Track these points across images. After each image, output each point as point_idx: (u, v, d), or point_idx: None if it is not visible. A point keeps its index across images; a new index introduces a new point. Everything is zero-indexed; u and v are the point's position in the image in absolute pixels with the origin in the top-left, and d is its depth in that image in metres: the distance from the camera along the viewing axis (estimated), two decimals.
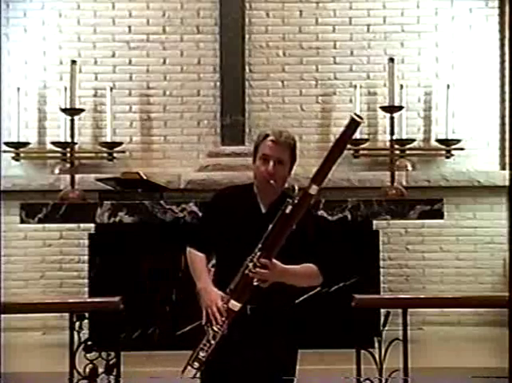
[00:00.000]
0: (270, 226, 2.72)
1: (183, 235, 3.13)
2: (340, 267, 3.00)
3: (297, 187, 2.76)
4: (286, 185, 2.98)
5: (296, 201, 2.70)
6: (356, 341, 3.36)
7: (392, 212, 5.05)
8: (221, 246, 2.95)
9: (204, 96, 6.12)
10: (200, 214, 4.58)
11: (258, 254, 2.72)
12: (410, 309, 3.45)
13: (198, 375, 2.80)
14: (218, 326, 2.75)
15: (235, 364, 2.85)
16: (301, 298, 4.97)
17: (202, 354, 2.74)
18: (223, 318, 2.75)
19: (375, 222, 5.30)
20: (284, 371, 2.95)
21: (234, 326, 2.78)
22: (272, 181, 2.86)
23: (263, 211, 2.94)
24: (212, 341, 2.74)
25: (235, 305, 2.75)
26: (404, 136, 5.92)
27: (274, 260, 2.74)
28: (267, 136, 2.92)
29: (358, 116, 2.76)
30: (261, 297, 2.78)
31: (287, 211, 2.70)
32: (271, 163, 2.87)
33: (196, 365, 2.74)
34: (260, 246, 2.73)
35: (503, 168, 6.02)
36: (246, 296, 2.76)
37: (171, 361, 3.70)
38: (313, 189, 2.70)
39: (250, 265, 2.73)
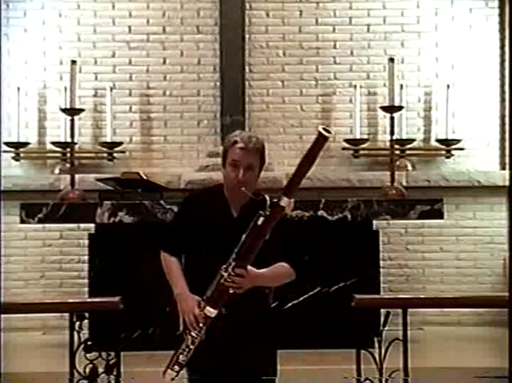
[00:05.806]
0: (243, 236, 2.77)
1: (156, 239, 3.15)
2: (310, 261, 3.03)
3: (268, 199, 2.78)
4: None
5: (267, 213, 2.74)
6: (356, 341, 3.37)
7: (392, 212, 5.04)
8: (193, 250, 2.99)
9: (204, 96, 6.12)
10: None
11: (233, 264, 2.78)
12: (410, 309, 3.46)
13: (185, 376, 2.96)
14: (196, 332, 2.84)
15: (217, 365, 2.94)
16: (300, 298, 5.05)
17: (182, 358, 2.86)
18: (201, 325, 2.84)
19: (375, 222, 5.29)
20: (263, 372, 3.00)
21: (212, 330, 2.85)
22: (243, 188, 2.87)
23: (234, 215, 2.98)
24: (191, 346, 2.85)
25: (212, 311, 2.83)
26: (404, 136, 5.93)
27: (249, 267, 2.80)
28: (236, 142, 2.92)
29: (326, 130, 2.72)
30: (235, 303, 2.84)
31: (259, 222, 2.75)
32: (241, 171, 2.89)
33: (176, 368, 2.87)
34: (234, 256, 2.78)
35: (503, 168, 6.02)
36: (222, 303, 2.84)
37: None
38: (284, 201, 2.74)
39: (225, 274, 2.79)
